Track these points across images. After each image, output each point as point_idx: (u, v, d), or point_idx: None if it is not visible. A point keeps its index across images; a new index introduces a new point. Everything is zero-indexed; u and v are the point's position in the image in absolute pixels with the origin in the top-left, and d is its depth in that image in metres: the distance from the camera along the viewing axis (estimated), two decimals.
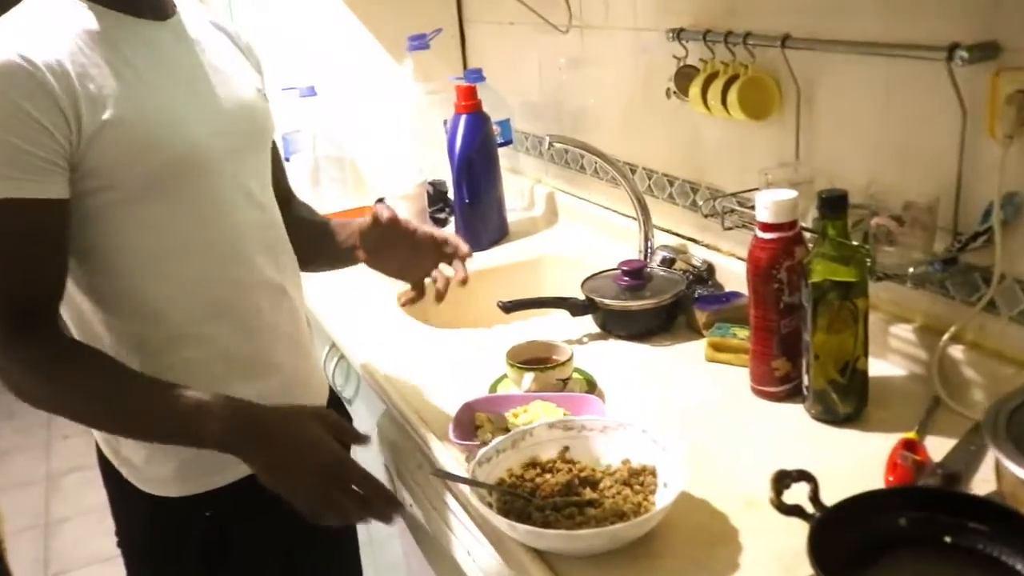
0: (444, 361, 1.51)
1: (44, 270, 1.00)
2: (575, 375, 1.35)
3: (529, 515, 1.02)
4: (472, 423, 1.24)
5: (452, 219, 2.18)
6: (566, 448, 1.13)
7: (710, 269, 1.64)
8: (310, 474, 0.99)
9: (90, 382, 1.00)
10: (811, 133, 1.42)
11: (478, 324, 1.72)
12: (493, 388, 1.37)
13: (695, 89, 1.53)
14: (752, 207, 1.45)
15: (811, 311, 1.18)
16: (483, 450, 1.08)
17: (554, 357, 1.37)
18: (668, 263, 1.67)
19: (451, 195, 2.21)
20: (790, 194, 1.22)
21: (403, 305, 1.25)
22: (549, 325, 1.60)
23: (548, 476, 1.08)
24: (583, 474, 1.08)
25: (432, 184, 2.14)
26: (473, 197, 1.98)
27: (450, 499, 1.21)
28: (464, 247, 1.25)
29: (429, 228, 1.29)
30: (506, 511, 1.02)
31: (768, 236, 1.23)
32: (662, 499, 1.03)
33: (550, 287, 1.90)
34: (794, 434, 1.21)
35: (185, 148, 1.07)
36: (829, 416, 1.21)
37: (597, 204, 2.04)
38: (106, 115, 0.99)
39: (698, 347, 1.47)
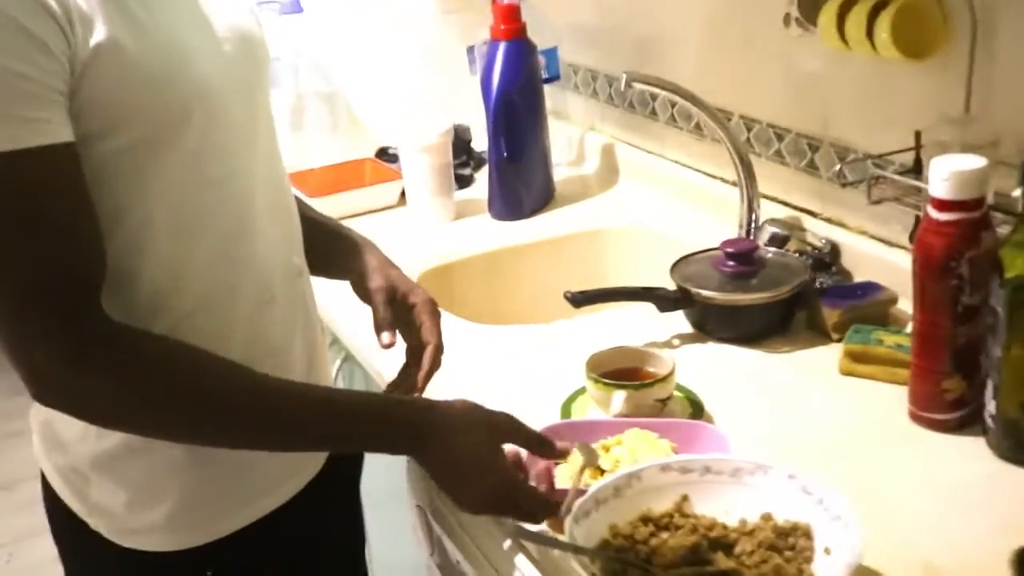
0: (491, 368, 1.44)
1: (82, 235, 0.97)
2: (675, 393, 1.29)
3: None
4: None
5: (476, 175, 2.12)
6: (684, 497, 1.07)
7: (834, 251, 1.58)
8: (479, 492, 1.07)
9: (211, 385, 1.01)
10: (989, 79, 1.34)
11: (524, 316, 1.66)
12: (566, 409, 1.31)
13: (828, 16, 1.45)
14: (906, 173, 1.38)
15: (1005, 316, 1.12)
16: (578, 501, 1.01)
17: (648, 369, 1.31)
18: (779, 242, 1.60)
19: (475, 144, 2.15)
20: (978, 162, 1.15)
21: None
22: (625, 322, 1.54)
23: (665, 536, 1.02)
24: (713, 534, 1.01)
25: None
26: (514, 150, 1.91)
27: (523, 562, 1.14)
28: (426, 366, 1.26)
29: (428, 332, 1.27)
30: None
31: (945, 217, 1.16)
32: (828, 570, 0.96)
33: (617, 270, 1.83)
34: (975, 477, 1.15)
35: (196, 82, 1.03)
36: (1019, 454, 1.15)
37: (673, 161, 1.97)
38: (101, 37, 0.95)
39: (827, 355, 1.40)
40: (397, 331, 1.26)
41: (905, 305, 1.45)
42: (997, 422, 1.16)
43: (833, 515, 1.00)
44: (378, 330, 1.26)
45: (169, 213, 1.04)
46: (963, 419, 1.22)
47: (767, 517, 1.04)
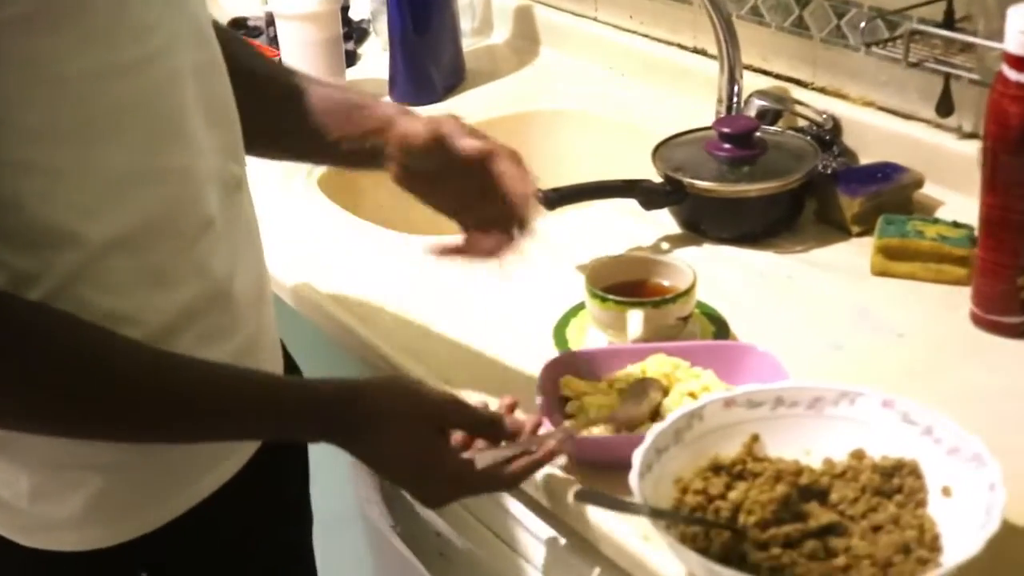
0: (451, 291, 1.37)
1: None
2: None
3: (743, 557, 0.91)
4: (557, 394, 1.11)
5: (360, 51, 2.01)
6: (755, 437, 1.02)
7: (836, 127, 1.54)
8: (429, 489, 1.07)
9: (105, 374, 0.96)
10: None
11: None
12: (560, 336, 1.24)
13: None
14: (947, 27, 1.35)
15: None
16: (639, 454, 0.95)
17: (659, 281, 1.25)
18: (770, 119, 1.56)
19: (353, 12, 2.04)
20: None
21: (438, 254, 1.19)
22: (598, 223, 1.49)
23: (744, 487, 0.97)
24: (802, 481, 0.97)
25: None
26: (420, 19, 1.81)
27: (523, 513, 1.08)
28: (531, 206, 1.16)
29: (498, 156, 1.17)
30: (702, 553, 0.90)
31: None
32: (952, 515, 0.92)
33: (559, 162, 1.76)
34: None
35: None
36: None
37: (612, 25, 1.90)
38: None
39: (851, 252, 1.38)
40: None
41: (931, 189, 1.44)
42: None
43: (949, 447, 0.96)
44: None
45: (71, 114, 0.94)
46: None
47: (859, 455, 1.00)
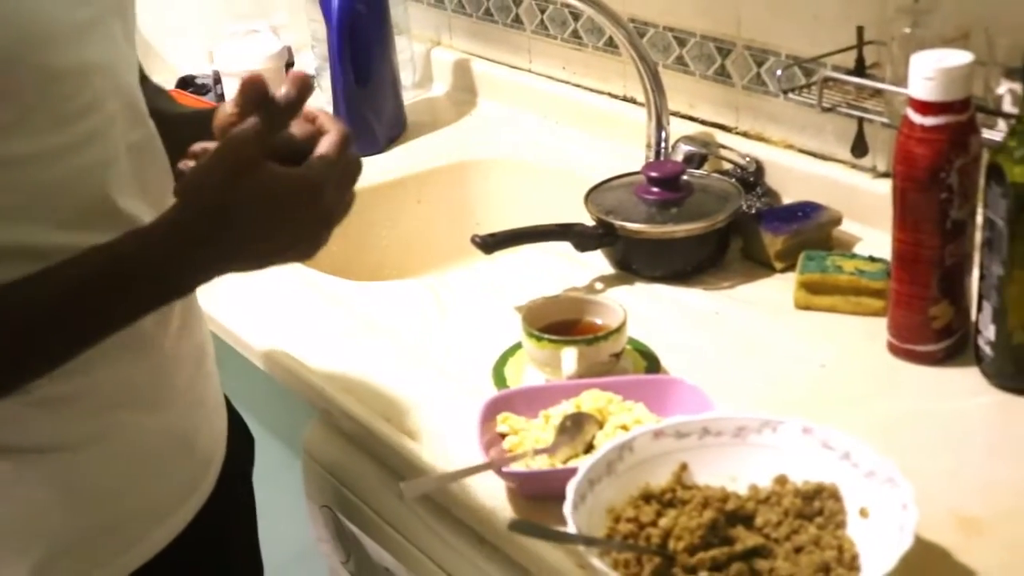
0: (387, 333, 1.37)
1: None
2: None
3: None
4: (495, 430, 1.13)
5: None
6: (683, 466, 1.03)
7: (759, 169, 1.57)
8: (303, 221, 0.96)
9: None
10: None
11: (395, 268, 1.60)
12: (499, 376, 1.25)
13: None
14: (858, 74, 1.38)
15: (1007, 230, 1.12)
16: (573, 486, 0.96)
17: (592, 320, 1.27)
18: (696, 163, 1.58)
19: (298, 66, 2.05)
20: (963, 57, 1.15)
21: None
22: (533, 266, 1.50)
23: (673, 513, 0.98)
24: (729, 506, 0.98)
25: None
26: (361, 73, 1.83)
27: (477, 556, 1.09)
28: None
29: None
30: None
31: (931, 122, 1.15)
32: (869, 535, 0.94)
33: (495, 208, 1.79)
34: (977, 412, 1.16)
35: (21, 25, 0.90)
36: (1023, 382, 1.17)
37: (546, 76, 1.93)
38: None
39: (775, 287, 1.40)
40: None
41: (849, 225, 1.47)
42: (998, 349, 1.17)
43: (865, 470, 0.99)
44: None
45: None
46: (950, 349, 1.23)
47: (782, 480, 1.02)
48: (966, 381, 1.20)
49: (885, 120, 1.35)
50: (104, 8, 1.00)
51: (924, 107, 1.15)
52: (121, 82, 1.02)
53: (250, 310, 1.42)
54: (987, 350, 1.18)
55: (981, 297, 1.18)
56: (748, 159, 1.57)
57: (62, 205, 0.96)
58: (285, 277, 1.53)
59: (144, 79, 1.22)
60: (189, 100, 1.99)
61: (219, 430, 1.18)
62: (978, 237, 1.18)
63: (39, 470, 0.99)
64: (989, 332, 1.17)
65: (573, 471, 0.98)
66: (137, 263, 0.92)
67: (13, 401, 0.94)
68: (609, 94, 1.81)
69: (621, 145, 1.71)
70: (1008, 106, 1.24)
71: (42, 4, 0.92)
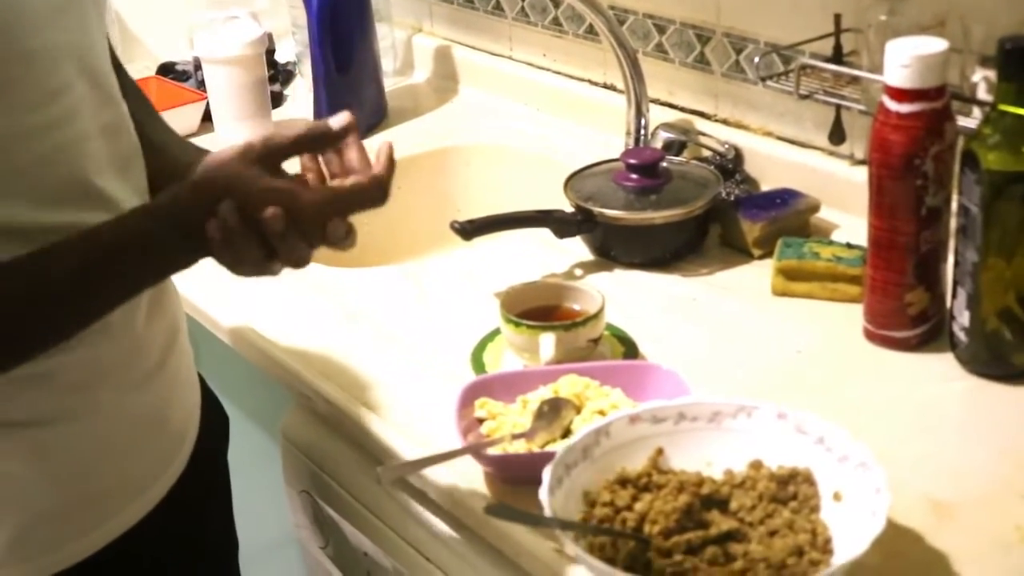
0: (369, 320, 1.37)
1: None
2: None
3: (647, 565, 0.92)
4: (474, 416, 1.13)
5: (287, 92, 2.02)
6: (659, 451, 1.03)
7: (737, 156, 1.57)
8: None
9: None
10: None
11: (379, 254, 1.60)
12: (478, 361, 1.25)
13: None
14: (835, 61, 1.38)
15: (982, 216, 1.12)
16: (549, 470, 0.96)
17: (570, 306, 1.27)
18: (676, 150, 1.58)
19: (279, 55, 2.05)
20: (938, 44, 1.15)
21: None
22: (513, 252, 1.49)
23: (648, 497, 0.98)
24: (703, 491, 0.98)
25: None
26: (342, 60, 1.82)
27: (455, 540, 1.09)
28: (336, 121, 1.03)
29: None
30: (609, 563, 0.91)
31: (907, 109, 1.15)
32: (842, 519, 0.95)
33: (477, 194, 1.78)
34: (952, 397, 1.17)
35: None
36: (997, 368, 1.17)
37: (526, 63, 1.93)
38: None
39: (753, 273, 1.40)
40: None
41: (827, 212, 1.47)
42: (972, 335, 1.17)
43: (839, 455, 0.99)
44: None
45: None
46: (925, 335, 1.23)
47: (757, 465, 1.02)
48: (941, 367, 1.20)
49: (862, 107, 1.35)
50: None
51: (900, 94, 1.15)
52: (91, 64, 1.02)
53: (228, 293, 1.41)
54: (962, 336, 1.18)
55: (956, 283, 1.18)
56: (727, 146, 1.57)
57: (38, 184, 0.97)
58: None
59: (142, 101, 1.22)
60: (169, 87, 1.98)
61: (192, 406, 1.18)
62: (953, 223, 1.18)
63: (14, 443, 1.00)
64: (964, 318, 1.17)
65: (550, 456, 0.98)
66: (162, 219, 0.96)
67: None
68: (589, 81, 1.81)
69: (601, 132, 1.71)
70: (983, 94, 1.24)
71: None
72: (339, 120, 0.99)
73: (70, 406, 1.02)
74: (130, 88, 1.15)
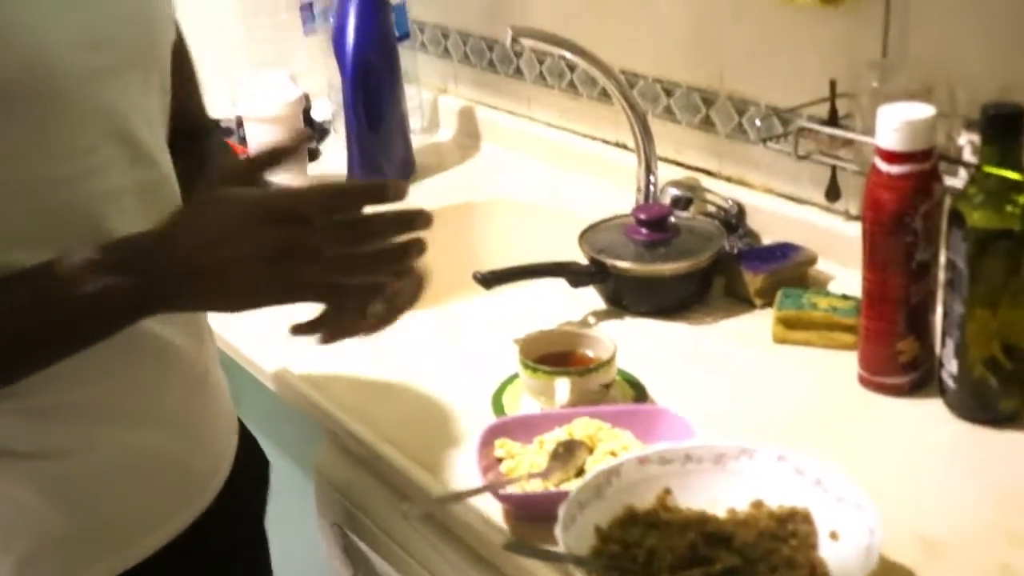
0: (395, 363, 1.38)
1: None
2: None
3: None
4: (493, 455, 1.14)
5: (321, 147, 2.05)
6: (667, 491, 1.04)
7: (740, 212, 1.58)
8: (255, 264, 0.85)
9: None
10: (904, 22, 1.36)
11: (420, 301, 1.59)
12: (498, 403, 1.26)
13: None
14: (831, 124, 1.40)
15: (968, 270, 1.14)
16: (563, 508, 0.97)
17: (584, 352, 1.28)
18: (682, 205, 1.60)
19: (318, 114, 2.07)
20: (926, 110, 1.16)
21: (294, 332, 0.98)
22: (530, 301, 1.50)
23: (655, 534, 0.99)
24: (708, 528, 0.99)
25: None
26: (373, 118, 1.84)
27: (476, 573, 1.10)
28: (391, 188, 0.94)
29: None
30: None
31: (897, 170, 1.17)
32: (838, 557, 0.95)
33: (497, 246, 1.79)
34: (941, 441, 1.18)
35: (29, 57, 0.89)
36: (983, 414, 1.18)
37: (544, 123, 1.95)
38: None
39: (754, 322, 1.41)
40: None
41: (824, 265, 1.48)
42: (960, 382, 1.18)
43: (836, 496, 1.00)
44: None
45: None
46: (916, 381, 1.24)
47: (758, 504, 1.03)
48: (931, 412, 1.21)
49: (856, 168, 1.37)
50: (124, 58, 0.99)
51: (890, 156, 1.17)
52: (124, 127, 0.99)
53: (263, 333, 1.41)
54: (950, 383, 1.19)
55: (944, 333, 1.19)
56: (730, 202, 1.58)
57: (60, 233, 0.93)
58: (298, 308, 1.53)
59: (210, 130, 1.23)
60: None
61: (222, 447, 1.15)
62: (941, 277, 1.19)
63: (28, 474, 0.98)
64: (952, 366, 1.18)
65: (565, 494, 0.99)
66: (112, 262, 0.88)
67: (2, 409, 0.94)
68: (602, 140, 1.83)
69: (613, 188, 1.72)
70: (968, 156, 1.26)
71: (57, 46, 0.91)
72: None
73: (83, 440, 1.00)
74: (188, 77, 1.14)
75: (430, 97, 2.12)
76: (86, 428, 1.00)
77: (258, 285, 0.87)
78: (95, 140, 0.96)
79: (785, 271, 1.44)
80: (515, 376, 1.27)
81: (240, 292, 0.88)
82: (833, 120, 1.42)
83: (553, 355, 1.26)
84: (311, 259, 0.86)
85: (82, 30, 0.94)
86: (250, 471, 1.21)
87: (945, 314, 1.19)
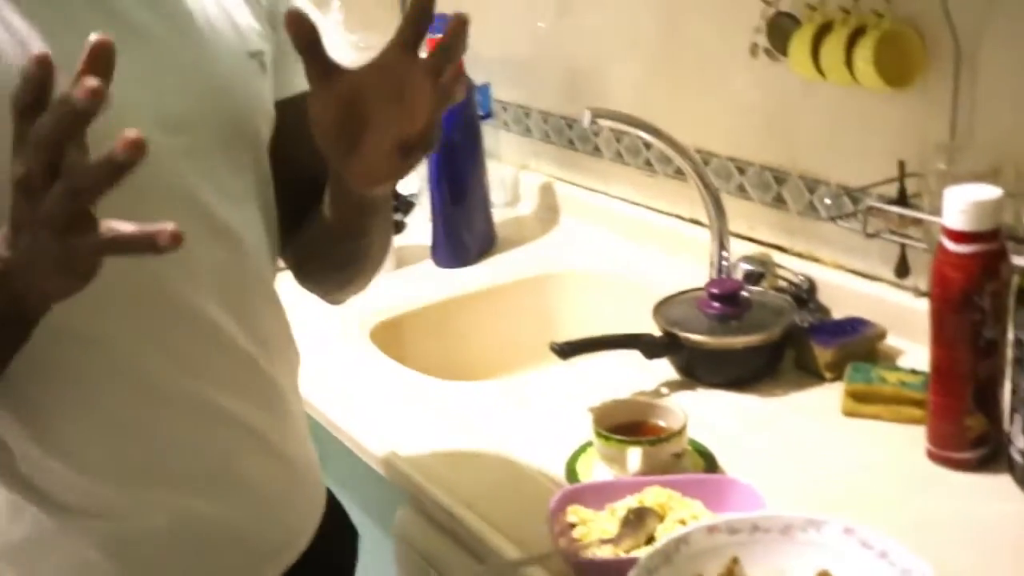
0: (474, 430, 1.39)
1: None
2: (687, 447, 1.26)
3: None
4: (566, 521, 1.14)
5: (407, 220, 2.07)
6: (735, 560, 1.03)
7: (811, 287, 1.58)
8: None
9: None
10: (972, 105, 1.36)
11: (480, 369, 1.63)
12: (571, 470, 1.26)
13: (801, 45, 1.46)
14: (900, 204, 1.39)
15: None
16: (633, 574, 0.97)
17: (656, 422, 1.28)
18: (754, 280, 1.59)
19: (404, 189, 2.10)
20: (993, 192, 1.16)
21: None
22: (605, 371, 1.50)
23: None
24: None
25: None
26: (456, 193, 1.87)
27: None
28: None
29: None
30: None
31: (964, 250, 1.16)
32: None
33: (572, 316, 1.80)
34: (1010, 517, 1.15)
35: (108, 138, 0.83)
36: None
37: (620, 198, 1.96)
38: None
39: (824, 396, 1.40)
40: None
41: (893, 340, 1.46)
42: None
43: (901, 569, 0.98)
44: None
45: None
46: (984, 457, 1.22)
47: (823, 574, 1.01)
48: (998, 487, 1.19)
49: (924, 246, 1.36)
50: (206, 139, 0.98)
51: (957, 236, 1.16)
52: (205, 208, 0.97)
53: (357, 406, 1.45)
54: (1019, 459, 1.17)
55: (1013, 410, 1.17)
56: (802, 278, 1.58)
57: (134, 301, 0.93)
58: (384, 376, 1.56)
59: None
60: None
61: (297, 525, 1.12)
62: (1009, 354, 1.17)
63: (83, 530, 0.98)
64: (1020, 442, 1.17)
65: (634, 561, 0.99)
66: None
67: (51, 465, 0.95)
68: (677, 216, 1.83)
69: (687, 262, 1.73)
70: None
71: (137, 127, 0.82)
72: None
73: (136, 502, 0.99)
74: None
75: (512, 173, 2.15)
76: (137, 490, 0.99)
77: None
78: (171, 216, 0.87)
79: (855, 345, 1.43)
80: (589, 444, 1.27)
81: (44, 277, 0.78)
82: (902, 199, 1.42)
83: (626, 424, 1.27)
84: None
85: (163, 111, 0.93)
86: (336, 543, 1.20)
87: (1013, 391, 1.17)
